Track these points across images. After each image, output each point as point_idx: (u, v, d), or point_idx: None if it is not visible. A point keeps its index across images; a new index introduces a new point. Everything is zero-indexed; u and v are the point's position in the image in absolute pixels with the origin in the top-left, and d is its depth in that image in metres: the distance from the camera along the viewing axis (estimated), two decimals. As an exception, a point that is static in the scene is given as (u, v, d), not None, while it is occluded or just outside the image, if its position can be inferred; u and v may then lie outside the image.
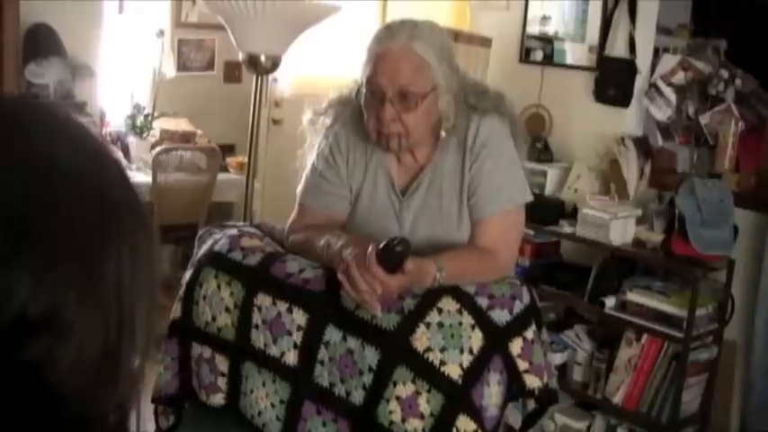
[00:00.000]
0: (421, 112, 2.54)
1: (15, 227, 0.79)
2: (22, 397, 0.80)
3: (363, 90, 2.57)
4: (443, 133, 2.62)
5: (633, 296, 4.55)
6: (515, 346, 2.47)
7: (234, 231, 2.79)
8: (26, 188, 0.81)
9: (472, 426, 2.39)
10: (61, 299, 0.81)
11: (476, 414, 2.40)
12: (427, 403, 2.38)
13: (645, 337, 4.53)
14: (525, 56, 5.47)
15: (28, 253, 0.79)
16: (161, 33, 6.85)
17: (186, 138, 6.54)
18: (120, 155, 6.21)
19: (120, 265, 0.86)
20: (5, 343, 0.78)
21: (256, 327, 2.55)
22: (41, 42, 3.88)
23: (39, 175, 0.82)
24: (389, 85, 2.51)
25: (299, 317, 2.50)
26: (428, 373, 2.39)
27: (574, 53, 5.27)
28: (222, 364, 2.63)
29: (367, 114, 2.58)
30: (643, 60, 5.01)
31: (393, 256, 2.31)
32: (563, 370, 4.79)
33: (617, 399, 4.60)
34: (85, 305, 0.83)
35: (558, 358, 4.72)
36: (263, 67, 3.82)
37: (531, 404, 2.62)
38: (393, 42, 2.52)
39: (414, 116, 2.54)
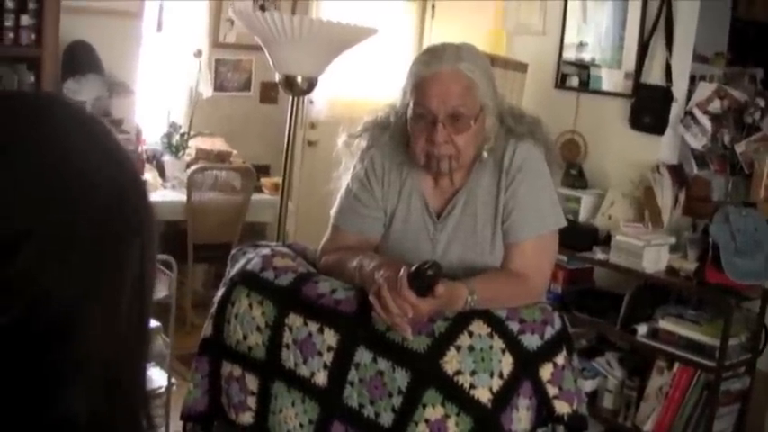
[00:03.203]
0: (472, 133, 2.56)
1: (33, 207, 0.81)
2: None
3: (410, 114, 2.58)
4: (485, 154, 2.63)
5: (665, 324, 4.52)
6: (546, 372, 2.46)
7: (267, 251, 2.80)
8: (48, 176, 0.83)
9: (501, 450, 2.39)
10: (79, 288, 0.83)
11: (505, 439, 2.40)
12: (456, 426, 2.38)
13: (676, 365, 4.50)
14: (561, 82, 5.47)
15: (43, 235, 0.81)
16: (199, 53, 6.91)
17: (221, 157, 6.58)
18: (155, 173, 6.26)
19: (139, 266, 0.88)
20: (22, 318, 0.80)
21: (287, 346, 2.56)
22: (80, 59, 3.92)
23: (63, 165, 0.85)
24: (441, 107, 2.52)
25: (330, 337, 2.51)
26: (458, 396, 2.39)
27: (610, 80, 5.26)
28: (252, 383, 2.63)
29: (415, 138, 2.59)
30: (679, 88, 5.00)
31: (425, 280, 2.31)
32: (593, 397, 4.77)
33: (647, 427, 4.57)
34: (103, 299, 0.85)
35: (588, 385, 4.69)
36: (299, 88, 3.84)
37: (561, 430, 2.61)
38: (441, 65, 2.53)
39: (465, 137, 2.55)
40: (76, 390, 0.85)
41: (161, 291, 4.76)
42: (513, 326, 2.46)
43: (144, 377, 0.95)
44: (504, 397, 2.41)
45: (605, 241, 4.83)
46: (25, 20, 4.04)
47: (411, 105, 2.58)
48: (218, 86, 7.24)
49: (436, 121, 2.53)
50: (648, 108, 5.03)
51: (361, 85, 6.56)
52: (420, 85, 2.56)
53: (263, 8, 6.82)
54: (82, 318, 0.84)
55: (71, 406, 0.84)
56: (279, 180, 4.82)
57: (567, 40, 5.43)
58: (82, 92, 3.99)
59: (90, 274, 0.85)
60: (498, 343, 2.43)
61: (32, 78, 3.59)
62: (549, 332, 2.49)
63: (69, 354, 0.84)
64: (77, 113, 0.93)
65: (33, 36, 3.90)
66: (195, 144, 6.68)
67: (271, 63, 3.85)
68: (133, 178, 0.94)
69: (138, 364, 0.93)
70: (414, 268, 2.32)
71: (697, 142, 4.92)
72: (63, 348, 0.83)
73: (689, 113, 4.95)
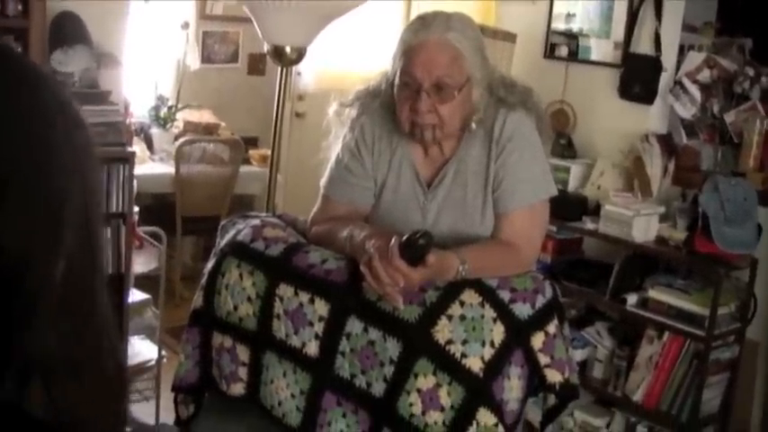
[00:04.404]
0: (456, 104, 2.55)
1: None
2: None
3: (396, 81, 2.57)
4: (474, 125, 2.62)
5: (655, 294, 4.53)
6: (537, 341, 2.46)
7: (256, 221, 2.79)
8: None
9: (492, 419, 2.39)
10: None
11: (496, 407, 2.40)
12: (448, 396, 2.38)
13: (666, 335, 4.51)
14: (550, 52, 5.46)
15: None
16: (186, 25, 6.88)
17: (209, 130, 6.56)
18: (143, 146, 6.24)
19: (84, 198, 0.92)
20: None
21: (278, 317, 2.56)
22: (67, 30, 3.89)
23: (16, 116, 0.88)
24: (426, 76, 2.51)
25: (321, 308, 2.50)
26: (449, 365, 2.39)
27: (599, 49, 5.25)
28: (243, 353, 2.63)
29: (400, 105, 2.58)
30: (668, 57, 4.99)
31: (415, 249, 2.31)
32: (583, 367, 4.78)
33: (637, 396, 4.59)
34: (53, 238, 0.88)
35: (578, 355, 4.70)
36: (288, 58, 3.82)
37: (552, 399, 2.62)
38: (429, 34, 2.52)
39: (449, 107, 2.54)
40: (40, 324, 0.87)
41: (150, 263, 4.75)
42: (505, 295, 2.46)
43: (102, 302, 0.97)
44: (496, 366, 2.41)
45: (595, 211, 4.83)
46: (11, -9, 4.02)
47: (398, 73, 2.57)
48: (206, 58, 7.21)
49: (420, 89, 2.52)
50: (638, 78, 5.02)
51: (350, 57, 6.53)
52: (407, 52, 2.55)
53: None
54: (31, 255, 0.86)
55: (39, 340, 0.87)
56: (267, 152, 4.81)
57: (556, 10, 5.41)
58: (69, 63, 3.96)
59: (31, 212, 0.87)
60: (489, 312, 2.43)
61: (19, 49, 3.56)
62: (541, 301, 2.49)
63: (24, 291, 0.86)
64: (19, 62, 0.95)
65: (20, 7, 3.87)
66: (183, 116, 6.66)
67: (259, 33, 3.83)
68: (80, 121, 0.96)
69: (93, 290, 0.95)
70: (404, 238, 2.31)
71: (686, 112, 4.92)
72: (18, 287, 0.85)
73: (678, 83, 4.94)
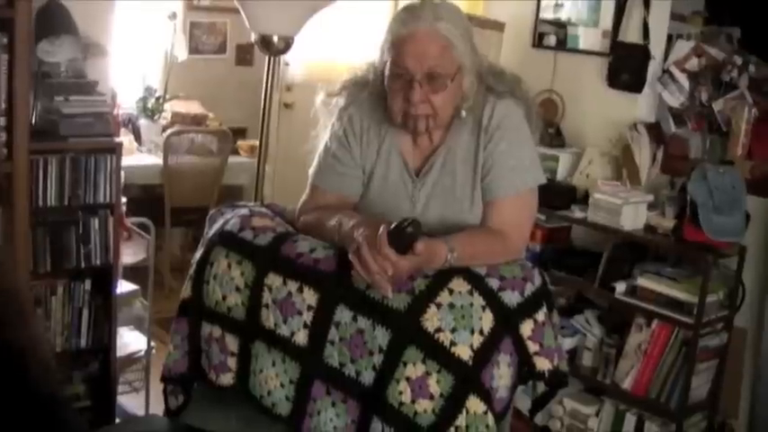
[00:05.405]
0: (449, 93, 2.54)
1: None
2: None
3: (387, 72, 2.56)
4: (464, 113, 2.61)
5: (644, 282, 4.54)
6: (526, 328, 2.46)
7: (245, 211, 2.78)
8: None
9: (482, 407, 2.39)
10: None
11: (486, 395, 2.40)
12: (437, 384, 2.38)
13: (655, 322, 4.52)
14: (538, 41, 5.45)
15: None
16: (173, 16, 6.87)
17: (197, 120, 6.56)
18: (131, 137, 6.23)
19: None
20: None
21: (266, 306, 2.55)
22: (54, 20, 3.86)
23: None
24: (417, 66, 2.50)
25: (310, 297, 2.50)
26: (438, 353, 2.39)
27: (587, 38, 5.25)
28: (232, 343, 2.62)
29: (392, 97, 2.57)
30: (656, 46, 4.99)
31: (404, 237, 2.31)
32: (572, 355, 4.79)
33: (626, 384, 4.60)
34: None
35: (567, 343, 4.72)
36: (275, 47, 3.81)
37: (541, 387, 2.62)
38: (418, 24, 2.51)
39: (442, 97, 2.54)
40: None
41: (139, 254, 4.75)
42: (493, 283, 2.46)
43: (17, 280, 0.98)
44: (485, 354, 2.41)
45: (583, 200, 4.84)
46: (-4, -20, 3.99)
47: (388, 64, 2.56)
48: (193, 49, 7.21)
49: (413, 80, 2.51)
50: (626, 66, 5.02)
51: (337, 48, 6.52)
52: (397, 43, 2.54)
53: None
54: None
55: None
56: (255, 143, 4.81)
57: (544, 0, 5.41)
58: (56, 53, 3.93)
59: None
60: (478, 300, 2.42)
61: (5, 40, 3.54)
62: (530, 289, 2.49)
63: None
64: None
65: (5, -3, 3.86)
66: (171, 107, 6.66)
67: (246, 22, 3.83)
68: None
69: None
70: (393, 226, 2.31)
71: (675, 100, 4.92)
72: None
73: (666, 71, 4.95)
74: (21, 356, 0.97)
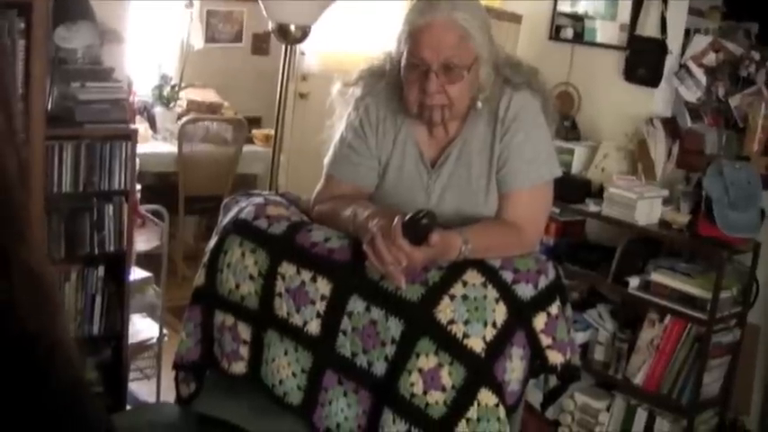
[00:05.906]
0: (465, 84, 2.54)
1: None
2: None
3: (403, 63, 2.55)
4: (480, 104, 2.61)
5: (657, 277, 4.52)
6: (539, 322, 2.46)
7: (259, 200, 2.78)
8: None
9: (494, 399, 2.39)
10: None
11: (498, 388, 2.40)
12: (449, 376, 2.38)
13: (668, 318, 4.51)
14: (555, 33, 5.43)
15: None
16: (190, 4, 6.87)
17: (213, 109, 6.56)
18: (146, 125, 6.23)
19: None
20: None
21: (280, 295, 2.55)
22: (71, 6, 3.87)
23: None
24: (434, 57, 2.49)
25: (323, 286, 2.50)
26: (451, 345, 2.39)
27: (604, 32, 5.22)
28: (245, 332, 2.63)
29: (408, 87, 2.57)
30: (674, 40, 4.96)
31: (419, 229, 2.30)
32: (585, 349, 4.78)
33: (638, 379, 4.59)
34: None
35: (580, 338, 4.70)
36: (292, 36, 3.80)
37: (553, 380, 2.62)
38: (435, 14, 2.50)
39: (458, 87, 2.53)
40: None
41: (152, 241, 4.75)
42: (507, 275, 2.46)
43: (30, 246, 0.96)
44: (498, 346, 2.41)
45: (598, 194, 4.81)
46: (14, -34, 3.99)
47: (405, 54, 2.55)
48: (210, 38, 7.20)
49: (429, 70, 2.51)
50: (643, 60, 5.00)
51: (353, 38, 6.51)
52: (414, 34, 2.53)
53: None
54: None
55: None
56: (270, 132, 4.80)
57: (561, -8, 5.39)
58: (73, 39, 3.94)
59: None
60: (492, 293, 2.42)
61: (23, 25, 3.54)
62: (543, 282, 2.49)
63: None
64: None
65: (23, -17, 3.86)
66: (186, 95, 6.66)
67: (264, 11, 3.82)
68: None
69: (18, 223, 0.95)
70: (408, 217, 2.31)
71: (691, 95, 4.90)
72: None
73: (683, 66, 4.92)
74: (49, 354, 0.96)
